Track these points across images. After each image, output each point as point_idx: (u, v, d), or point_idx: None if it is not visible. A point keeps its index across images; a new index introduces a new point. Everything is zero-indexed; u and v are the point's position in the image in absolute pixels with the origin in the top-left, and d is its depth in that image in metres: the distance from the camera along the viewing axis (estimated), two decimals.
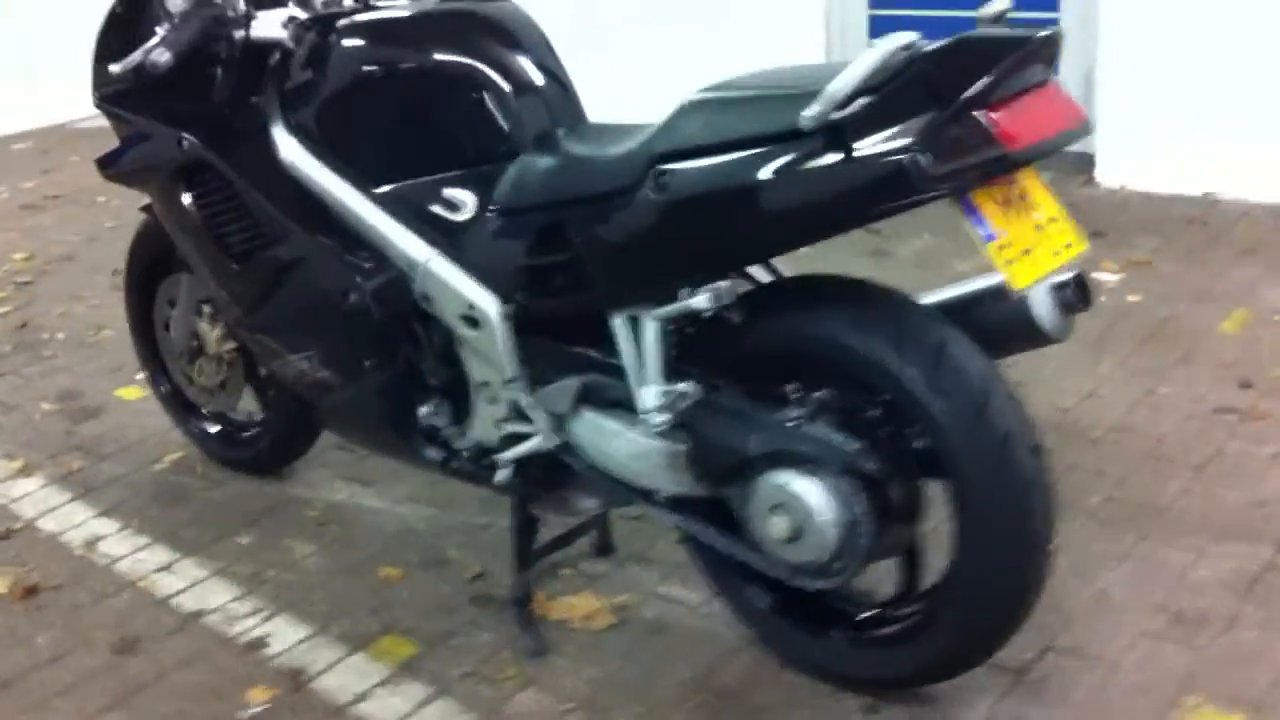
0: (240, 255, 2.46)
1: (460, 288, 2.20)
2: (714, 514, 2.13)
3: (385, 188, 2.27)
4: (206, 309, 2.82)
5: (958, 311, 1.96)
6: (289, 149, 2.33)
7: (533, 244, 2.11)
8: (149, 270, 2.99)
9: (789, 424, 1.95)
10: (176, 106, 2.43)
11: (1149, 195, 4.59)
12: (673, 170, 1.88)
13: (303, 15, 2.35)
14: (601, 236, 2.00)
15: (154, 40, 2.30)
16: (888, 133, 1.70)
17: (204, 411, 3.05)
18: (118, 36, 2.50)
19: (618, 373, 2.11)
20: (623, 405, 2.12)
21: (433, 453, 2.39)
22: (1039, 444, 1.87)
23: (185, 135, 2.43)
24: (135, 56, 2.30)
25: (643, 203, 1.92)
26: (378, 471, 3.00)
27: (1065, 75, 4.68)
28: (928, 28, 4.89)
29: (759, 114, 1.83)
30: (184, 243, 2.59)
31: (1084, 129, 1.79)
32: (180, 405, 3.08)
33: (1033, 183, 1.83)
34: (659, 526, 2.53)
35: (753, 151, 1.80)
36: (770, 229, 1.84)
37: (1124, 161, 4.70)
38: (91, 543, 2.83)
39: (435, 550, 2.69)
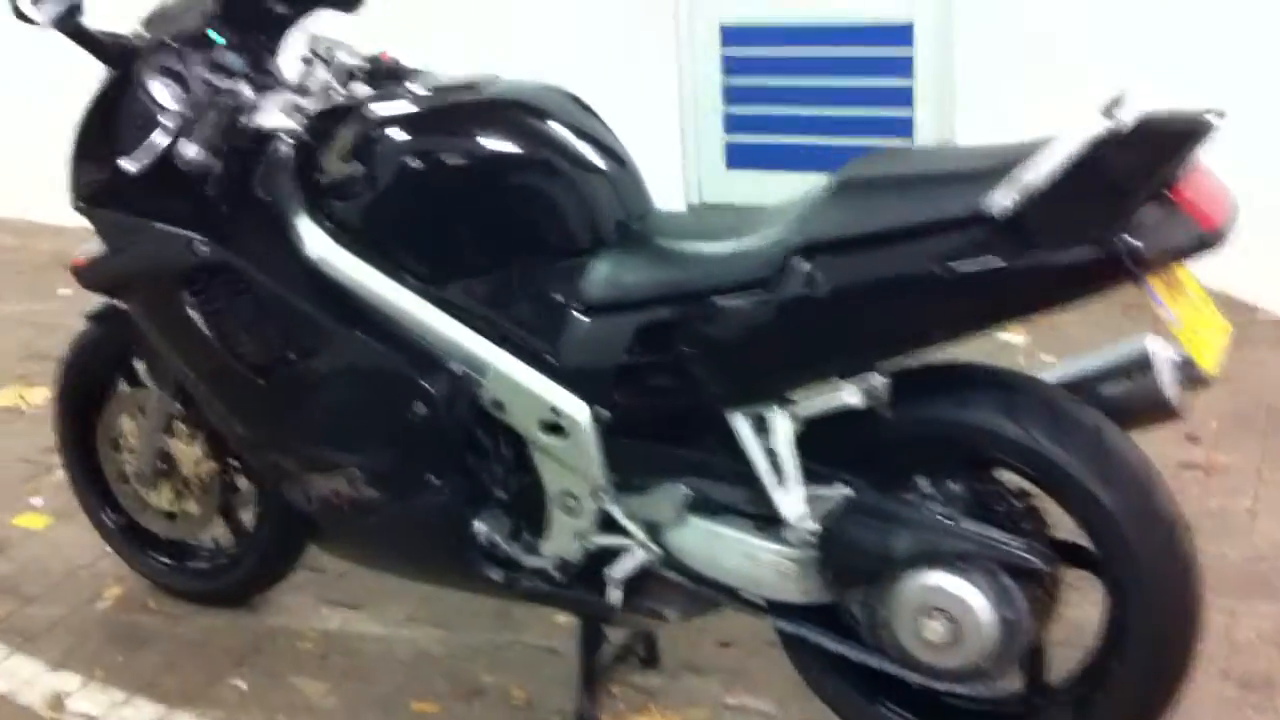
0: (264, 368, 2.21)
1: (542, 392, 2.04)
2: (820, 619, 2.03)
3: (448, 288, 2.08)
4: (182, 427, 2.53)
5: (1084, 389, 1.93)
6: (324, 248, 2.13)
7: (632, 343, 1.98)
8: (93, 384, 2.67)
9: (946, 521, 1.87)
10: (183, 205, 2.17)
11: None
12: (824, 262, 1.79)
13: (307, 104, 2.16)
14: (725, 333, 1.89)
15: (160, 135, 2.06)
16: (1084, 218, 1.65)
17: (160, 541, 2.73)
18: (100, 133, 2.23)
19: (725, 474, 1.99)
20: (731, 509, 2.00)
21: (495, 573, 2.20)
22: (1187, 522, 1.86)
23: (198, 238, 2.17)
24: (146, 152, 2.05)
25: (785, 297, 1.81)
26: (359, 592, 2.75)
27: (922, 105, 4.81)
28: (779, 37, 5.00)
29: (928, 199, 1.75)
30: (186, 357, 2.31)
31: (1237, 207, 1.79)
32: (130, 536, 2.75)
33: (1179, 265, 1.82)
34: (692, 631, 2.39)
35: (928, 240, 1.73)
36: (942, 320, 1.77)
37: None
38: (56, 702, 2.48)
39: (465, 677, 2.48)
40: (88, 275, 2.36)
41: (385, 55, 2.36)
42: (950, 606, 1.87)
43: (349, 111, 2.17)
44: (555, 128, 2.08)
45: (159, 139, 2.08)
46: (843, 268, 1.78)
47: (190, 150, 2.01)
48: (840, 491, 1.91)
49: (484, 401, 2.09)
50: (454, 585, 2.35)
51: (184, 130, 2.09)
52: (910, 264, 1.74)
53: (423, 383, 2.08)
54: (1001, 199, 1.66)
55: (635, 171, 2.14)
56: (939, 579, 1.87)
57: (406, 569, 2.39)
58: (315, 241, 2.14)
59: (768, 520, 2.00)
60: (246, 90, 2.15)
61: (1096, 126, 1.65)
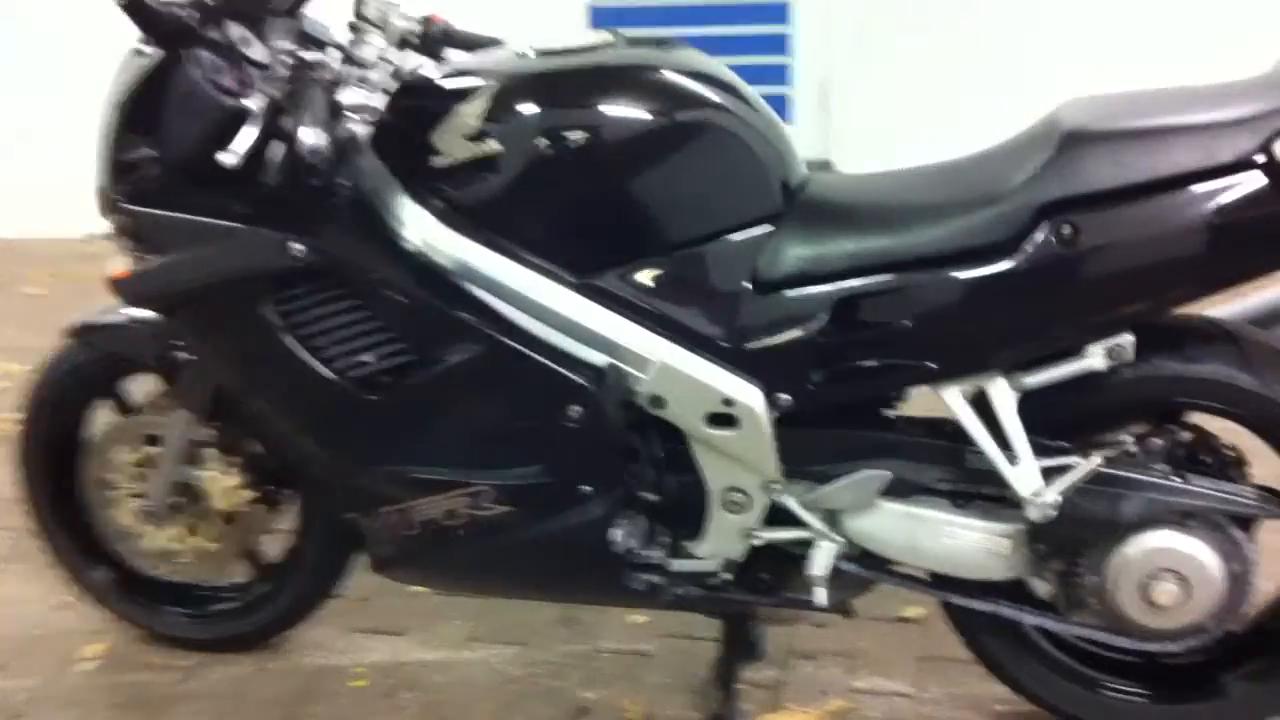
0: (373, 382, 1.90)
1: (713, 381, 1.84)
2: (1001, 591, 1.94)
3: (603, 275, 1.85)
4: (212, 452, 2.17)
5: (1263, 325, 1.90)
6: (444, 240, 1.85)
7: (827, 319, 1.80)
8: (72, 414, 2.26)
9: (1174, 480, 1.80)
10: (262, 201, 1.83)
11: None
12: (1086, 219, 1.67)
13: (374, 77, 1.88)
14: (957, 303, 1.75)
15: (254, 121, 1.74)
16: None
17: (167, 590, 2.36)
18: (146, 123, 1.86)
19: (922, 454, 1.86)
20: (926, 490, 1.88)
21: (638, 582, 1.99)
22: None
23: (292, 237, 1.83)
24: (245, 142, 1.72)
25: (1037, 258, 1.69)
26: (392, 616, 2.48)
27: (801, 84, 4.81)
28: (649, 17, 4.86)
29: (1189, 147, 1.66)
30: (263, 376, 1.96)
31: None
32: (133, 591, 2.37)
33: None
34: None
35: (1198, 189, 1.64)
36: (1215, 272, 1.69)
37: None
38: None
39: (563, 696, 2.26)
40: (135, 288, 1.96)
41: (436, 17, 2.07)
42: (1181, 566, 1.81)
43: (435, 85, 1.89)
44: (717, 91, 1.86)
45: (253, 125, 1.74)
46: (1107, 223, 1.67)
47: (313, 138, 1.69)
48: (1068, 460, 1.80)
49: (640, 399, 1.87)
50: (588, 601, 2.14)
51: (276, 114, 1.76)
52: (1182, 214, 1.65)
53: (579, 382, 1.84)
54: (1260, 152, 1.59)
55: (787, 133, 1.95)
56: (1169, 539, 1.81)
57: (531, 589, 2.13)
58: (433, 233, 1.85)
59: (967, 496, 1.89)
60: (335, 62, 1.84)
61: None
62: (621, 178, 1.83)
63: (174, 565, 2.29)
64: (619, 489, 1.92)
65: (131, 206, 1.89)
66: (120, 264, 1.97)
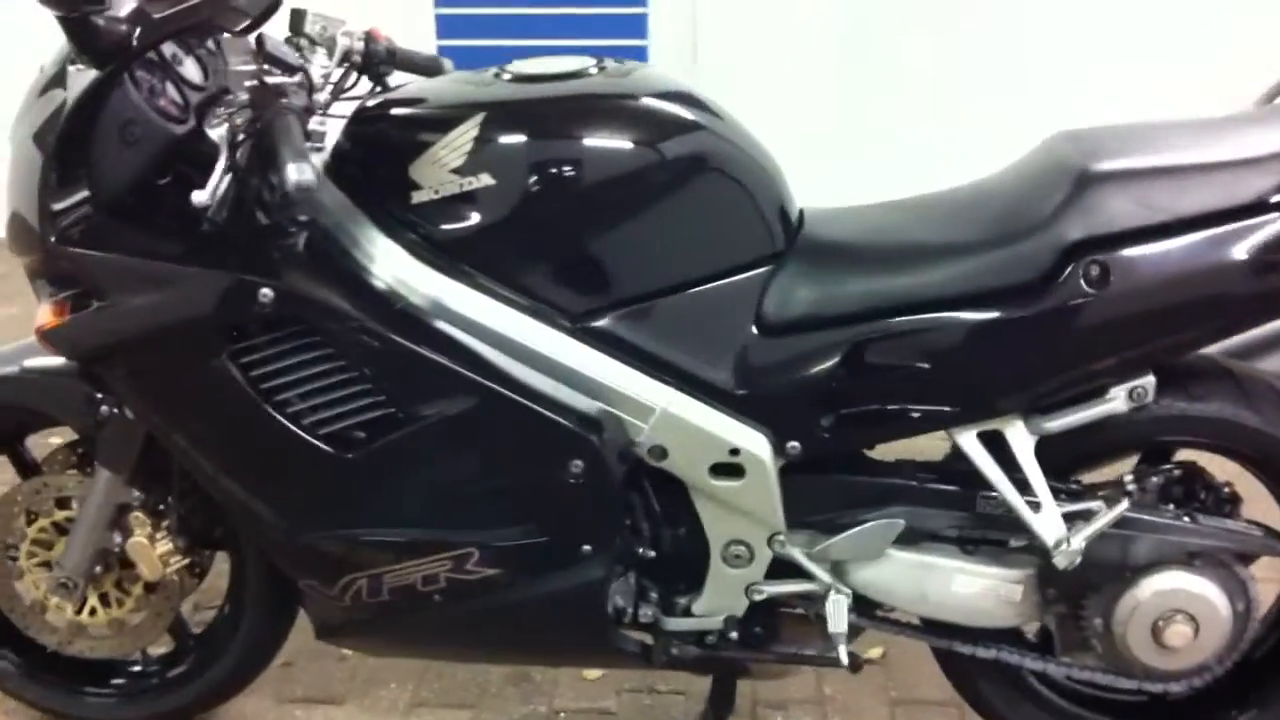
0: (345, 439, 1.73)
1: (719, 431, 1.74)
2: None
3: (601, 319, 1.72)
4: (140, 516, 1.94)
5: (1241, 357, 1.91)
6: (429, 282, 1.70)
7: (839, 363, 1.72)
8: None
9: (1184, 520, 1.78)
10: (232, 242, 1.65)
11: None
12: (1109, 258, 1.63)
13: (321, 100, 1.73)
14: (982, 344, 1.69)
15: (225, 154, 1.57)
16: None
17: (81, 670, 2.13)
18: (85, 154, 1.65)
19: (933, 499, 1.80)
20: (934, 537, 1.82)
21: (630, 644, 1.87)
22: None
23: (261, 281, 1.64)
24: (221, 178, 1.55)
25: (1066, 299, 1.64)
26: (323, 681, 2.30)
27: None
28: (498, 26, 4.72)
29: (1211, 188, 1.63)
30: (218, 435, 1.76)
31: None
32: (45, 676, 2.13)
33: None
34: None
35: (1226, 228, 1.62)
36: (1243, 311, 1.67)
37: None
38: None
39: None
40: (72, 338, 1.73)
41: (378, 33, 1.91)
42: (1191, 606, 1.79)
43: (404, 113, 1.74)
44: (714, 123, 1.76)
45: (223, 159, 1.56)
46: (1135, 263, 1.63)
47: (297, 173, 1.51)
48: (1087, 505, 1.77)
49: (640, 449, 1.75)
50: (576, 664, 1.99)
51: (240, 144, 1.58)
52: (1208, 254, 1.62)
53: (580, 434, 1.71)
54: None
55: (781, 169, 1.86)
56: (1179, 580, 1.79)
57: (509, 654, 1.99)
58: (410, 272, 1.70)
59: (974, 542, 1.84)
60: (300, 87, 1.67)
61: None
62: (620, 215, 1.72)
63: (90, 641, 2.06)
64: (614, 547, 1.79)
65: (67, 249, 1.67)
66: (47, 312, 1.74)
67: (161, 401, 1.77)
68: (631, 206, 1.71)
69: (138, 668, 2.14)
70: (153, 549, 1.94)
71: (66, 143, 1.65)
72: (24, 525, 2.01)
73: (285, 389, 1.72)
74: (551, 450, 1.72)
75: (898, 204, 1.87)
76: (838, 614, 1.81)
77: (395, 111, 1.76)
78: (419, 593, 1.82)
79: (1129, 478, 1.82)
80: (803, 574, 1.83)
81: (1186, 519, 1.79)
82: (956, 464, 1.79)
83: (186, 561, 1.99)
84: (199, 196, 1.56)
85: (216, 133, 1.60)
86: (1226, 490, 1.86)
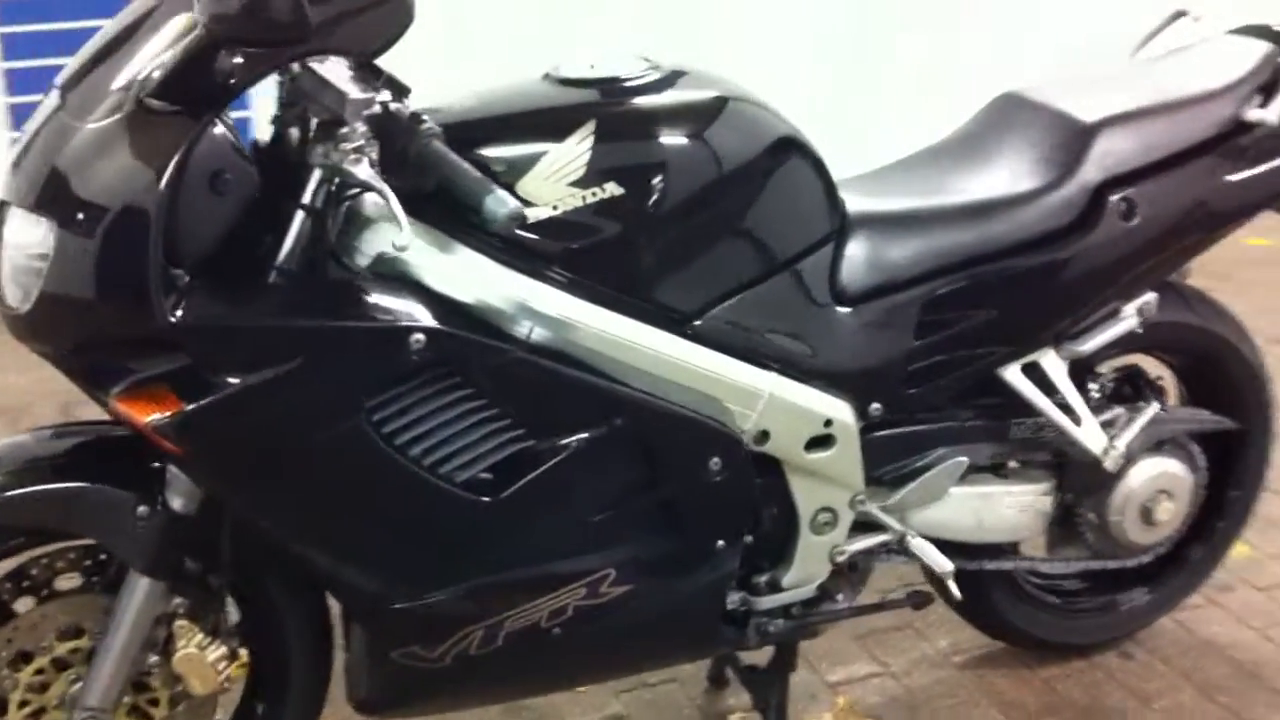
0: (486, 482, 1.59)
1: (815, 406, 1.80)
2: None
3: (705, 317, 1.71)
4: (185, 625, 1.66)
5: None
6: (560, 304, 1.60)
7: (918, 322, 1.84)
8: None
9: (1164, 413, 2.08)
10: (376, 288, 1.47)
11: None
12: (1137, 193, 1.86)
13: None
14: (1036, 283, 1.87)
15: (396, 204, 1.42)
16: None
17: None
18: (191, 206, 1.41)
19: (983, 434, 1.97)
20: (977, 469, 1.99)
21: (731, 630, 1.89)
22: None
23: (414, 326, 1.47)
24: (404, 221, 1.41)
25: (1111, 233, 1.86)
26: None
27: None
28: (63, 41, 4.28)
29: (1197, 120, 1.91)
30: (343, 505, 1.55)
31: None
32: None
33: None
34: None
35: (1211, 154, 1.90)
36: (1226, 219, 1.95)
37: None
38: None
39: None
40: (198, 426, 1.42)
41: None
42: (1172, 485, 2.10)
43: (483, 128, 1.64)
44: (778, 115, 1.78)
45: (393, 200, 1.40)
46: (1152, 193, 1.88)
47: (505, 204, 1.38)
48: (1115, 412, 2.01)
49: (746, 437, 1.77)
50: (679, 662, 1.97)
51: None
52: (1206, 175, 1.91)
53: (718, 430, 1.70)
54: (1270, 114, 1.91)
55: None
56: (1160, 465, 2.09)
57: (616, 669, 1.92)
58: (530, 294, 1.59)
59: (1004, 467, 2.03)
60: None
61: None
62: (725, 210, 1.72)
63: None
64: (741, 540, 1.80)
65: (185, 323, 1.41)
66: (129, 403, 1.45)
67: (269, 477, 1.53)
68: (734, 202, 1.72)
69: None
70: (205, 658, 1.67)
71: (171, 195, 1.38)
72: (13, 673, 1.65)
73: (421, 439, 1.56)
74: (693, 451, 1.70)
75: (904, 165, 1.99)
76: (930, 552, 1.93)
77: (478, 131, 1.63)
78: (540, 630, 1.72)
79: (1093, 384, 2.09)
80: (875, 528, 1.93)
81: (1164, 412, 2.08)
82: (985, 398, 1.97)
83: (234, 665, 1.73)
84: (401, 239, 1.38)
85: (360, 169, 1.41)
86: (1161, 384, 2.18)
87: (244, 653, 1.74)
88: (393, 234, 1.42)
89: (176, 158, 1.38)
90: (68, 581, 1.71)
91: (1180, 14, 2.18)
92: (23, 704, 1.67)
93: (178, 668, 1.67)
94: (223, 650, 1.69)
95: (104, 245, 1.40)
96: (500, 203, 1.40)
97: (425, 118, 1.47)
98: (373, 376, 1.50)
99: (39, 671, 1.67)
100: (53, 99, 1.52)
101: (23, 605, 1.69)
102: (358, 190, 1.53)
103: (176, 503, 1.60)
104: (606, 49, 1.76)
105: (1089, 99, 1.96)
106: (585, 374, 1.61)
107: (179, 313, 1.40)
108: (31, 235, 1.44)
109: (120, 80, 1.45)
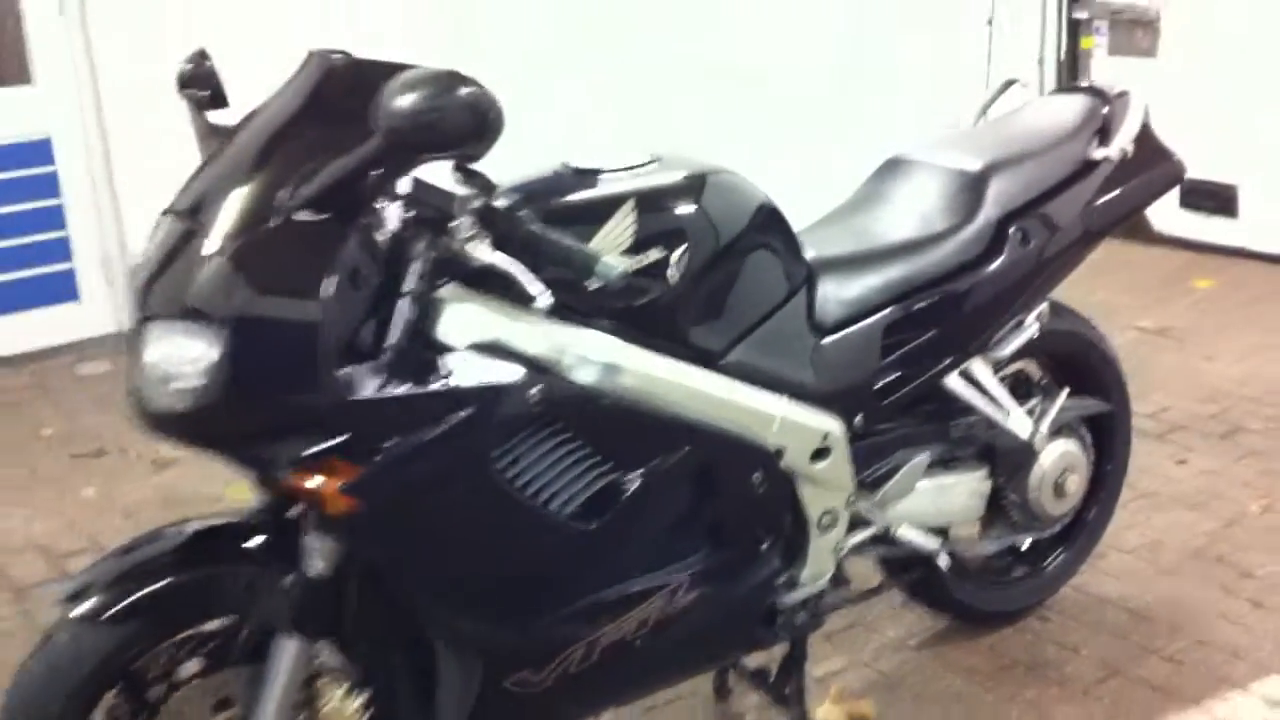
0: (586, 513, 1.86)
1: (815, 423, 2.15)
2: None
3: (730, 354, 2.04)
4: (328, 680, 1.84)
5: None
6: (628, 355, 1.90)
7: (882, 345, 2.22)
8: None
9: (1068, 403, 2.53)
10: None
11: None
12: (1028, 223, 2.32)
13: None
14: (966, 303, 2.29)
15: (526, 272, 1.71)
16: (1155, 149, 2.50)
17: None
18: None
19: (936, 434, 2.37)
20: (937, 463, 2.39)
21: (763, 628, 2.20)
22: None
23: (531, 377, 1.74)
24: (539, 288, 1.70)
25: (1013, 257, 2.30)
26: None
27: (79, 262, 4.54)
28: None
29: (1056, 162, 2.39)
30: (475, 544, 1.79)
31: None
32: None
33: None
34: None
35: (1076, 186, 2.38)
36: (1093, 240, 2.43)
37: None
38: None
39: None
40: (376, 486, 1.65)
41: None
42: (1073, 463, 2.55)
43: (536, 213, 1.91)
44: (750, 182, 2.14)
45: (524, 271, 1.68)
46: (1040, 222, 2.34)
47: (614, 265, 1.70)
48: (1033, 403, 2.45)
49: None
50: (729, 660, 2.23)
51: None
52: (1077, 202, 2.38)
53: (758, 449, 2.03)
54: (1112, 151, 2.40)
55: None
56: (1063, 446, 2.54)
57: (683, 672, 2.18)
58: (610, 349, 1.88)
59: (954, 459, 2.43)
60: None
61: (1136, 94, 2.47)
62: (740, 263, 2.05)
63: None
64: (780, 537, 2.12)
65: (360, 399, 1.64)
66: (323, 474, 1.66)
67: (422, 525, 1.76)
68: (746, 255, 2.05)
69: None
70: (344, 711, 1.86)
71: (319, 302, 1.62)
72: None
73: (534, 480, 1.82)
74: (742, 469, 2.02)
75: (829, 220, 2.39)
76: (919, 535, 2.31)
77: (530, 217, 1.86)
78: (627, 642, 1.99)
79: (1009, 387, 2.52)
80: (864, 524, 2.29)
81: (1067, 402, 2.53)
82: (929, 405, 2.37)
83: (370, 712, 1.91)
84: (545, 300, 1.66)
85: (483, 252, 1.68)
86: (1049, 378, 2.64)
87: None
88: (533, 292, 1.68)
89: (336, 260, 1.62)
90: (186, 670, 1.87)
91: (1011, 82, 2.69)
92: None
93: (323, 713, 1.85)
94: (358, 702, 1.89)
95: (280, 344, 1.61)
96: (609, 267, 1.70)
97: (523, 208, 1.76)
98: (500, 429, 1.76)
99: None
100: (172, 220, 1.72)
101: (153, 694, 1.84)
102: (444, 279, 1.79)
103: (314, 568, 1.80)
104: (599, 148, 2.09)
105: (968, 154, 2.42)
106: (655, 413, 1.91)
107: (346, 393, 1.63)
108: (186, 344, 1.62)
109: (258, 196, 1.67)
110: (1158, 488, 3.34)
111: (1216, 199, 5.26)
